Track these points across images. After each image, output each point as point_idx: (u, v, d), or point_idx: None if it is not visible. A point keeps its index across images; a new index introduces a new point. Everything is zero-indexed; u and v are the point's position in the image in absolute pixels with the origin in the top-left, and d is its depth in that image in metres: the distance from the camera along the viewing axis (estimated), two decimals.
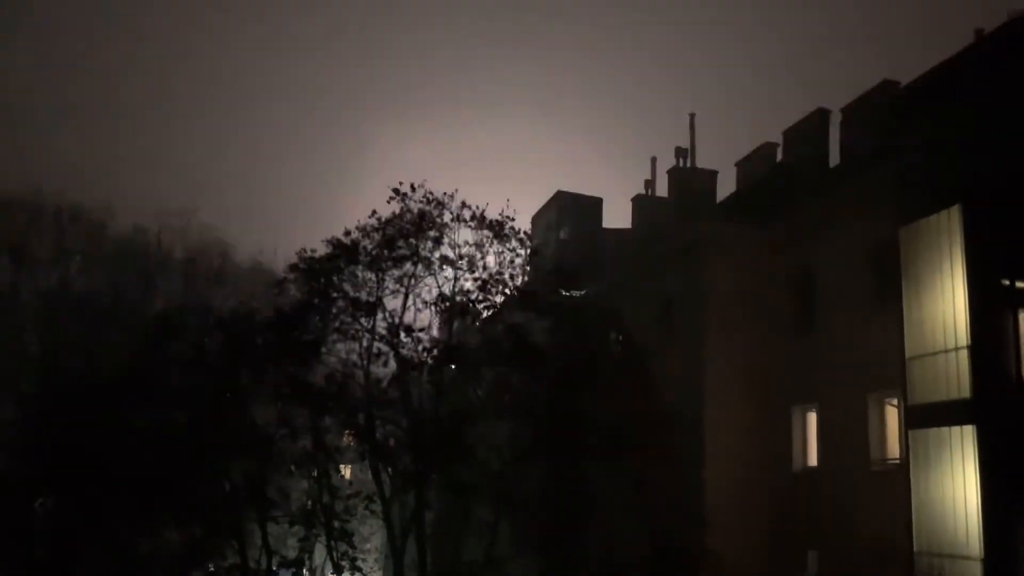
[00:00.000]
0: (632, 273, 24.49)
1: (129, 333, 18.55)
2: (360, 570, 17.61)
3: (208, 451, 17.09)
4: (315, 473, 17.94)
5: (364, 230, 17.65)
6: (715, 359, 20.06)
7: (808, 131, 22.97)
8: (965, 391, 14.20)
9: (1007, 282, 14.46)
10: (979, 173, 14.70)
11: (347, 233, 17.62)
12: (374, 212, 17.65)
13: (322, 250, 17.62)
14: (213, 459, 17.30)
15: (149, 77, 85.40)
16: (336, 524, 17.20)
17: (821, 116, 22.70)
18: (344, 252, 17.52)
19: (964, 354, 14.31)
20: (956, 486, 14.15)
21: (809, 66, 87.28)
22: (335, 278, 17.62)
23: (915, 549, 14.78)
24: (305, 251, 17.73)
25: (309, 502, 18.28)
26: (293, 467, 18.24)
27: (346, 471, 20.42)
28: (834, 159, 22.27)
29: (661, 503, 16.45)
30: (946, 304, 14.82)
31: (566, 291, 19.57)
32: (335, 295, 17.69)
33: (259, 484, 17.49)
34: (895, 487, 15.57)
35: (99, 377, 18.12)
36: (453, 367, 17.99)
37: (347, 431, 18.34)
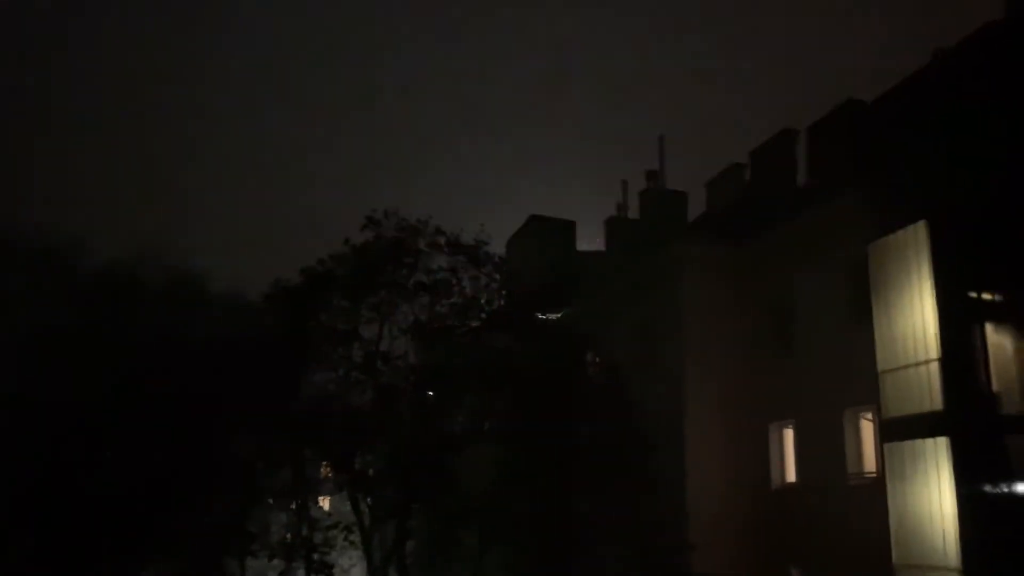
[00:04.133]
0: (608, 295, 24.59)
1: (105, 366, 18.29)
2: None
3: (186, 486, 16.87)
4: (294, 505, 17.76)
5: (338, 258, 17.61)
6: (693, 378, 20.16)
7: (775, 151, 23.22)
8: (937, 403, 14.39)
9: (975, 295, 14.70)
10: (944, 188, 14.98)
11: (320, 262, 17.58)
12: (347, 240, 17.63)
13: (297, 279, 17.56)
14: (192, 494, 17.08)
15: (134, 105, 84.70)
16: (315, 556, 17.01)
17: (787, 136, 22.95)
18: (317, 281, 17.46)
19: (935, 367, 14.52)
20: (932, 497, 14.30)
21: (776, 86, 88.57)
22: (309, 307, 17.54)
23: (894, 561, 14.88)
24: (280, 281, 17.67)
25: (288, 535, 18.07)
26: (271, 500, 18.05)
27: (324, 502, 20.22)
28: (802, 177, 22.54)
29: (644, 524, 16.43)
30: (916, 318, 15.04)
31: (542, 314, 19.59)
32: (311, 324, 17.59)
33: (239, 518, 17.29)
34: (873, 500, 15.70)
35: (75, 411, 17.85)
36: (431, 393, 17.93)
37: (324, 462, 18.18)
